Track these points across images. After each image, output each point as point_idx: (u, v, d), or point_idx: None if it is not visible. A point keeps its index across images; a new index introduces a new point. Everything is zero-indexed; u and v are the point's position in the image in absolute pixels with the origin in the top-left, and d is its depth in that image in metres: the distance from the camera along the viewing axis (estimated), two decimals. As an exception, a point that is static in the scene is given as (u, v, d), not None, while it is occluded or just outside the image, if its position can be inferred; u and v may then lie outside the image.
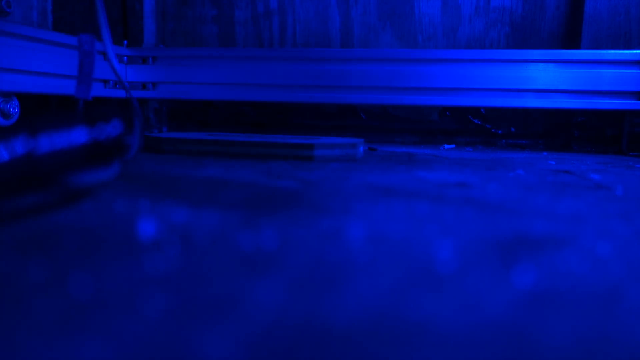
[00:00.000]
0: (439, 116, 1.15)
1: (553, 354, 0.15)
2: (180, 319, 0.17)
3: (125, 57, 1.07)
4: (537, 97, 0.99)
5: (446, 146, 1.07)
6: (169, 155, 0.70)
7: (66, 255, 0.24)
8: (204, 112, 1.23)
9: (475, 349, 0.16)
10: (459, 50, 1.06)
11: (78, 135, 0.34)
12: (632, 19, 1.04)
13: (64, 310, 0.18)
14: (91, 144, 0.35)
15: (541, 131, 1.13)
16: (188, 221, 0.31)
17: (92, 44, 0.59)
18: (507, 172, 0.61)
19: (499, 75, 1.00)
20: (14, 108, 0.80)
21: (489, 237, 0.29)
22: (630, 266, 0.25)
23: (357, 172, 0.57)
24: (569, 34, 1.09)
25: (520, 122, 1.13)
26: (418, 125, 1.16)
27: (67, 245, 0.25)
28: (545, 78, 0.98)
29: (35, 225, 0.29)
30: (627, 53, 0.96)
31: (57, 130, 0.33)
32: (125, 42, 1.12)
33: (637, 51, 0.96)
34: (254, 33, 1.20)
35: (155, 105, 1.18)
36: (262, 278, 0.21)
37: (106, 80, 1.00)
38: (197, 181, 0.48)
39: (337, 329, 0.17)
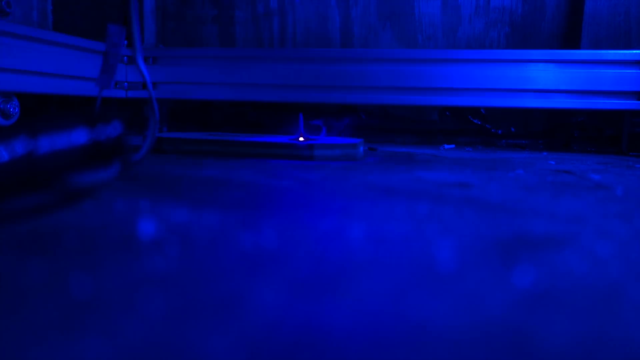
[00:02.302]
0: (439, 116, 1.15)
1: (553, 353, 0.15)
2: (180, 319, 0.17)
3: (125, 57, 1.07)
4: (537, 97, 0.99)
5: (446, 146, 1.07)
6: (170, 155, 0.70)
7: (66, 255, 0.24)
8: (204, 112, 1.23)
9: (476, 347, 0.16)
10: (459, 50, 1.06)
11: (78, 136, 0.34)
12: (632, 19, 1.04)
13: (64, 309, 0.18)
14: (91, 144, 0.35)
15: (541, 131, 1.12)
16: (188, 221, 0.31)
17: (120, 35, 0.59)
18: (507, 172, 0.61)
19: (499, 75, 1.00)
20: (14, 108, 0.80)
21: (489, 237, 0.29)
22: (630, 266, 0.25)
23: (357, 172, 0.57)
24: (569, 34, 1.09)
25: (520, 122, 1.13)
26: (418, 125, 1.16)
27: (67, 245, 0.26)
28: (545, 78, 0.98)
29: (36, 225, 0.29)
30: (627, 53, 0.96)
31: (57, 131, 0.33)
32: (125, 42, 1.13)
33: (637, 51, 0.96)
34: (254, 33, 1.20)
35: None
36: (261, 278, 0.21)
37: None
38: (197, 181, 0.48)
39: (337, 328, 0.17)
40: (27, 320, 0.17)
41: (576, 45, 1.06)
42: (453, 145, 1.08)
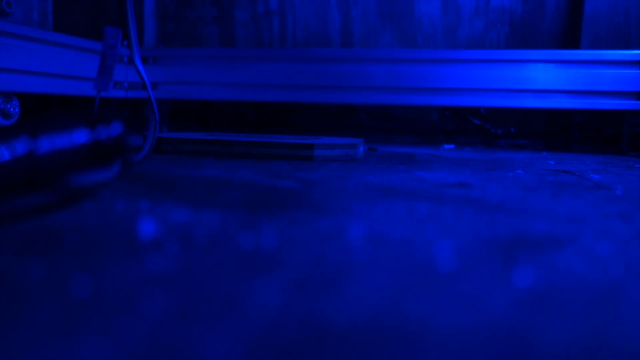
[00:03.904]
0: (439, 116, 1.15)
1: (553, 352, 0.16)
2: (181, 319, 0.17)
3: (125, 58, 1.08)
4: (537, 97, 0.99)
5: (446, 146, 1.07)
6: (169, 155, 0.70)
7: (66, 255, 0.24)
8: (204, 112, 1.23)
9: (476, 347, 0.16)
10: (459, 50, 1.06)
11: (79, 136, 0.34)
12: (631, 19, 1.04)
13: (64, 309, 0.18)
14: (92, 144, 0.35)
15: (541, 131, 1.13)
16: (188, 221, 0.31)
17: (117, 37, 0.59)
18: (507, 172, 0.61)
19: (499, 75, 1.00)
20: (14, 108, 0.80)
21: (489, 236, 0.29)
22: (630, 266, 0.25)
23: (357, 172, 0.57)
24: (569, 34, 1.09)
25: (520, 122, 1.13)
26: (418, 125, 1.16)
27: (67, 245, 0.26)
28: (545, 78, 0.98)
29: (36, 225, 0.29)
30: (626, 53, 0.96)
31: (58, 131, 0.33)
32: (125, 42, 1.12)
33: (637, 51, 0.96)
34: (254, 33, 1.20)
35: (156, 105, 1.18)
36: (261, 278, 0.21)
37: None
38: (197, 181, 0.48)
39: (337, 327, 0.17)
40: (27, 320, 0.17)
41: (576, 46, 1.06)
42: (453, 145, 1.09)
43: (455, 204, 0.39)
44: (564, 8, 1.09)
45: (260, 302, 0.19)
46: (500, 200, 0.41)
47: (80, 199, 0.36)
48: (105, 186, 0.40)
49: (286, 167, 0.60)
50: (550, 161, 0.78)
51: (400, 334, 0.16)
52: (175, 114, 1.23)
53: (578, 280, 0.22)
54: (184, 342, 0.16)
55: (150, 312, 0.18)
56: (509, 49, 1.09)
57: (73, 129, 0.33)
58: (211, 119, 1.23)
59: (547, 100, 0.99)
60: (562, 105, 0.99)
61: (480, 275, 0.22)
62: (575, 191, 0.47)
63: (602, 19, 1.04)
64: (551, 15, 1.10)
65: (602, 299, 0.20)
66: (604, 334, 0.17)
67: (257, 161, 0.66)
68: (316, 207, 0.37)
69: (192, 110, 1.23)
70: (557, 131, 1.12)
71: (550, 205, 0.40)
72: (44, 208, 0.33)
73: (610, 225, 0.33)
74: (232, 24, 1.21)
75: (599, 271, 0.23)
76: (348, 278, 0.22)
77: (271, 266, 0.23)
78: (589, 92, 0.97)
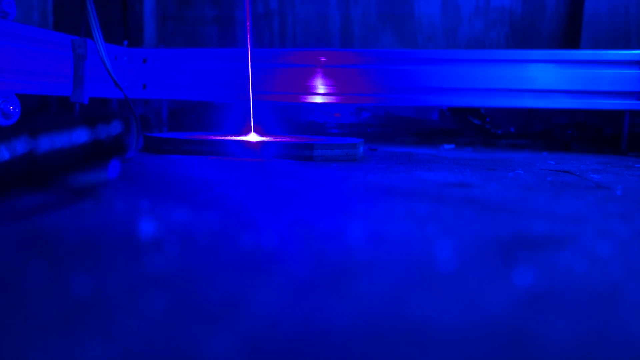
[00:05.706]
0: (439, 116, 1.15)
1: (553, 351, 0.16)
2: (180, 317, 0.17)
3: (125, 57, 1.07)
4: (537, 97, 0.99)
5: (446, 146, 1.07)
6: (169, 155, 0.70)
7: (66, 255, 0.24)
8: (204, 112, 1.23)
9: (476, 347, 0.16)
10: (459, 50, 1.06)
11: (78, 136, 0.34)
12: (631, 19, 1.04)
13: (65, 309, 0.18)
14: (91, 144, 0.35)
15: (541, 131, 1.13)
16: (188, 222, 0.31)
17: (85, 47, 0.59)
18: (507, 172, 0.61)
19: (499, 75, 1.00)
20: (14, 108, 0.80)
21: (489, 236, 0.29)
22: (629, 266, 0.25)
23: (357, 172, 0.57)
24: (569, 34, 1.09)
25: (520, 122, 1.13)
26: (418, 125, 1.16)
27: (67, 245, 0.26)
28: (545, 78, 0.98)
29: (36, 224, 0.29)
30: (626, 53, 0.96)
31: (57, 131, 0.33)
32: (125, 42, 1.12)
33: (637, 51, 0.96)
34: (254, 33, 1.20)
35: (155, 105, 1.18)
36: (261, 281, 0.21)
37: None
38: (197, 181, 0.48)
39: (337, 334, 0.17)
40: (27, 320, 0.17)
41: (576, 45, 1.06)
42: (453, 145, 1.08)
43: (456, 204, 0.39)
44: (564, 8, 1.09)
45: (258, 304, 0.19)
46: (500, 200, 0.41)
47: (81, 199, 0.36)
48: (105, 186, 0.40)
49: (286, 167, 0.60)
50: (550, 161, 0.78)
51: (399, 332, 0.16)
52: (175, 114, 1.23)
53: (578, 280, 0.22)
54: (185, 340, 0.16)
55: (149, 311, 0.18)
56: (509, 49, 1.09)
57: (73, 128, 0.33)
58: (211, 119, 1.23)
59: (547, 100, 0.99)
60: (562, 105, 0.99)
61: (481, 275, 0.22)
62: (575, 191, 0.47)
63: (602, 18, 1.04)
64: (551, 15, 1.10)
65: (602, 299, 0.20)
66: (603, 332, 0.17)
67: (258, 161, 0.66)
68: (317, 207, 0.37)
69: (192, 110, 1.23)
70: (557, 131, 1.12)
71: (551, 205, 0.40)
72: (44, 208, 0.33)
73: (610, 226, 0.33)
74: (232, 23, 1.21)
75: (599, 271, 0.23)
76: (347, 277, 0.22)
77: (271, 267, 0.23)
78: (589, 92, 0.97)
